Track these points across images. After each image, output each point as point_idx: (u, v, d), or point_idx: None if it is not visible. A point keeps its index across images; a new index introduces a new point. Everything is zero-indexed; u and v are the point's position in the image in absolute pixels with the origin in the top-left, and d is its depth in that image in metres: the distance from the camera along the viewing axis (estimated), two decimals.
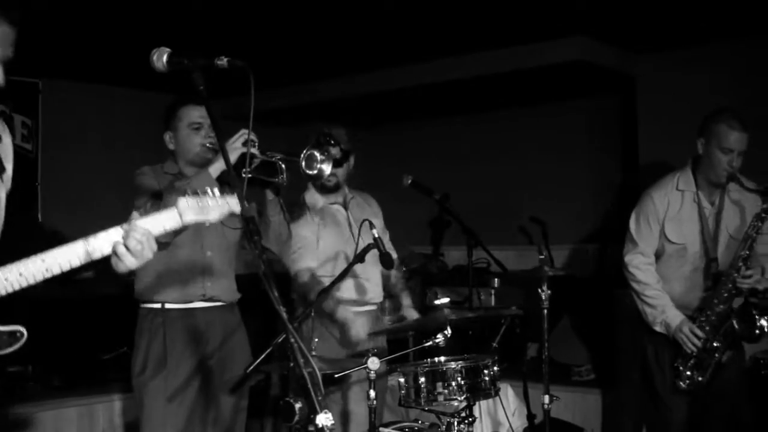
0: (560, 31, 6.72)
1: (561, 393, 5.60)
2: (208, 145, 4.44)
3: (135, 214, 2.70)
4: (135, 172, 4.42)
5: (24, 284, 2.56)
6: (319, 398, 2.32)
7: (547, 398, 4.86)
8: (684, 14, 6.25)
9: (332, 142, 4.59)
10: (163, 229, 2.70)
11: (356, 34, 6.75)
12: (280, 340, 3.76)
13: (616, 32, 6.78)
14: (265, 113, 7.96)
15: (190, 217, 2.70)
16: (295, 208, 5.16)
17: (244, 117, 2.85)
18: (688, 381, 4.88)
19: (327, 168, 3.78)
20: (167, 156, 4.63)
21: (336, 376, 4.14)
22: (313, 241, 4.99)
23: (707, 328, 4.84)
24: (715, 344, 4.84)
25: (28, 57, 2.85)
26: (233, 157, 3.97)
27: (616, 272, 5.44)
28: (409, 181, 5.29)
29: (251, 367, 3.88)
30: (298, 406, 2.64)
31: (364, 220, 4.61)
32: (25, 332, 2.73)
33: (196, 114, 4.52)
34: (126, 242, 2.63)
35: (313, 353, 4.36)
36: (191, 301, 4.52)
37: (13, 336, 2.71)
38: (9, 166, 2.84)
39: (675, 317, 4.90)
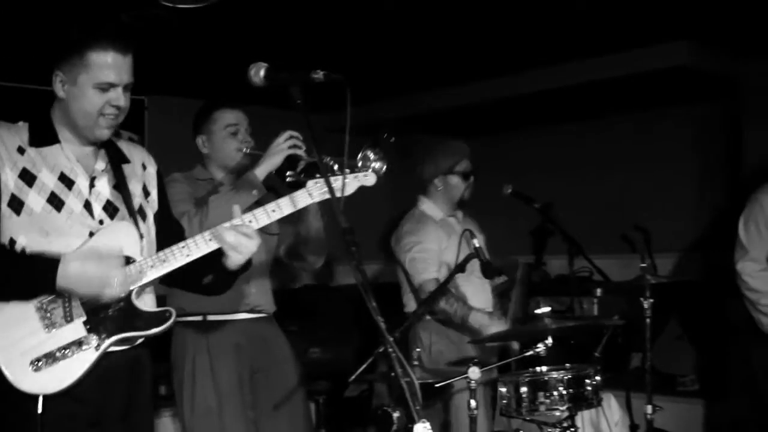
0: (664, 36, 6.61)
1: (665, 403, 5.52)
2: (245, 150, 4.36)
3: (236, 208, 3.17)
4: (166, 179, 3.98)
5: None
6: (417, 408, 2.32)
7: (650, 408, 4.80)
8: None
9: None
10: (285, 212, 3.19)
11: (457, 46, 6.74)
12: (381, 351, 3.78)
13: (720, 36, 6.64)
14: (367, 125, 7.97)
15: (319, 197, 3.19)
16: (415, 217, 5.19)
17: (343, 129, 2.86)
18: None
19: (379, 166, 3.73)
20: (196, 162, 4.55)
21: (437, 385, 4.14)
22: (437, 252, 5.01)
23: None
24: None
25: (134, 75, 3.08)
26: (279, 159, 3.96)
27: (724, 280, 5.31)
28: (510, 191, 5.28)
29: (354, 377, 3.89)
30: (396, 415, 2.66)
31: (465, 230, 4.61)
32: (173, 312, 3.09)
33: (233, 117, 4.43)
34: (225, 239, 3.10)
35: (415, 362, 4.37)
36: (235, 312, 4.37)
37: (162, 317, 3.08)
38: (153, 192, 3.38)
39: None
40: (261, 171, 4.01)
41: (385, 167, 3.47)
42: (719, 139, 8.08)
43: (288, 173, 3.83)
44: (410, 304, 5.10)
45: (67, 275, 2.88)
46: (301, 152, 3.93)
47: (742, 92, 7.43)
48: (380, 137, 3.84)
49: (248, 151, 4.36)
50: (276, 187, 4.04)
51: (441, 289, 4.57)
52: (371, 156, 3.48)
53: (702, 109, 8.23)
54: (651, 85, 7.55)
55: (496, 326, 4.80)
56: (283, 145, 3.96)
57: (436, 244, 5.04)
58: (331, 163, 3.51)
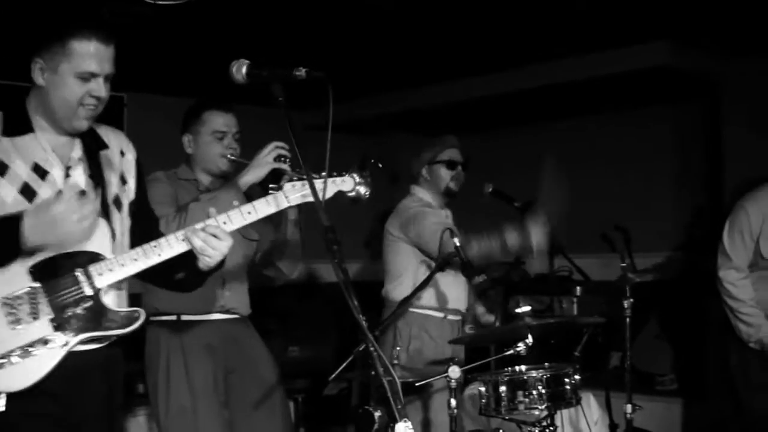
0: (644, 36, 6.61)
1: (644, 403, 5.53)
2: (229, 156, 4.34)
3: (212, 210, 3.09)
4: (148, 178, 3.86)
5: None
6: (399, 407, 2.32)
7: (629, 407, 4.81)
8: None
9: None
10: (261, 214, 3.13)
11: (436, 44, 6.74)
12: (361, 349, 3.77)
13: (700, 36, 6.64)
14: (349, 123, 7.98)
15: (297, 200, 3.16)
16: (416, 202, 5.18)
17: (324, 127, 2.84)
18: None
19: (364, 191, 3.70)
20: (175, 160, 4.52)
21: (416, 384, 4.14)
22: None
23: None
24: None
25: (115, 67, 3.06)
26: (263, 172, 3.98)
27: (704, 280, 5.33)
28: (490, 189, 5.28)
29: (333, 376, 3.88)
30: (377, 414, 2.65)
31: (446, 229, 4.61)
32: (143, 312, 3.07)
33: (221, 122, 4.38)
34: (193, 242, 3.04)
35: (394, 361, 4.36)
36: (209, 312, 4.35)
37: (131, 317, 3.05)
38: (131, 180, 3.32)
39: None
40: (244, 182, 4.02)
41: (369, 192, 3.47)
42: (699, 139, 8.10)
43: (271, 186, 3.81)
44: (396, 291, 5.07)
45: (32, 221, 2.81)
46: (285, 167, 3.93)
47: (721, 92, 7.45)
48: (367, 162, 3.84)
49: (232, 158, 4.34)
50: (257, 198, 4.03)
51: (422, 286, 4.55)
52: (357, 180, 3.48)
53: (682, 109, 8.25)
54: (631, 85, 7.56)
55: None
56: (269, 158, 3.97)
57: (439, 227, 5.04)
58: (315, 179, 3.50)
